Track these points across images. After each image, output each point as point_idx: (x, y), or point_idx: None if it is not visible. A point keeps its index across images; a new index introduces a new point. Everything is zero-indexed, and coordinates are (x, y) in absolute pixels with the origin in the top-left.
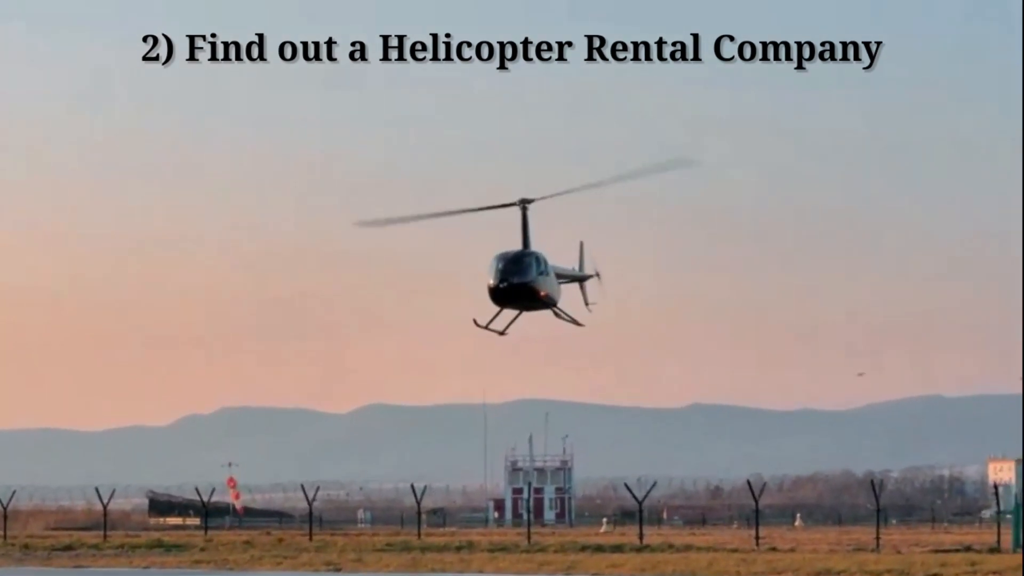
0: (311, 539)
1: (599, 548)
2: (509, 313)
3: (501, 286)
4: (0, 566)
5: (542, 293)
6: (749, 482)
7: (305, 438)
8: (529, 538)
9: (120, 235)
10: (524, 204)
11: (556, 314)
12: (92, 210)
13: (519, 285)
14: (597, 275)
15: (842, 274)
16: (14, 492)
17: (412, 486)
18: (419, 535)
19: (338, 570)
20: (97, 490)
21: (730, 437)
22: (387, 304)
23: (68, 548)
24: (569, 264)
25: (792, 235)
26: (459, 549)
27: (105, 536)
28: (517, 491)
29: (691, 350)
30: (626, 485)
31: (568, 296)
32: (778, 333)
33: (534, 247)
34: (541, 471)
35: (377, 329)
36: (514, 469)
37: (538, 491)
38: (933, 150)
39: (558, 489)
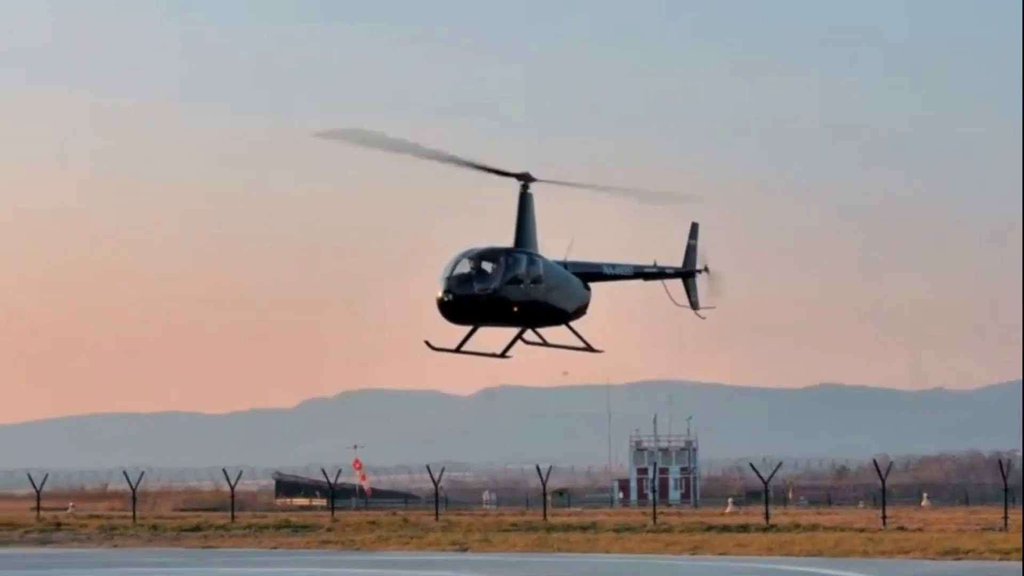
0: (437, 519)
1: (725, 528)
2: (505, 332)
3: (446, 300)
4: (131, 546)
5: (515, 307)
6: (875, 462)
7: (428, 420)
8: (655, 518)
9: (229, 226)
10: (526, 180)
11: (535, 338)
12: (201, 204)
13: (474, 298)
14: (706, 270)
15: (967, 257)
16: (143, 473)
17: (537, 467)
18: (544, 515)
19: (465, 549)
20: (225, 471)
21: (856, 417)
22: None
23: (196, 529)
24: (645, 259)
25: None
26: (585, 529)
27: (233, 517)
28: (642, 471)
29: (818, 331)
30: (752, 465)
31: (645, 296)
32: (903, 314)
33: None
34: (666, 451)
35: None
36: (639, 449)
37: (663, 471)
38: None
39: (683, 469)
